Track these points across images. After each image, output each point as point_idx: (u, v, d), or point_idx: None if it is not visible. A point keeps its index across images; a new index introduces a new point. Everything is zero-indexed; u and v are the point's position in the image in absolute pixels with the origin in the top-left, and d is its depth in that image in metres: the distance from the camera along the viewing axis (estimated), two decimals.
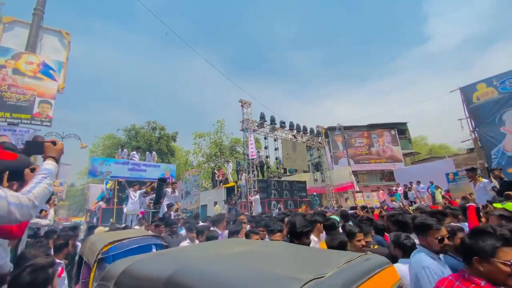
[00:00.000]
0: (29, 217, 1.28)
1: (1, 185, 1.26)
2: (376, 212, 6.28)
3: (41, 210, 5.40)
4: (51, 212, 5.26)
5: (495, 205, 3.23)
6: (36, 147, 1.66)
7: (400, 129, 26.02)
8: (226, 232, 4.45)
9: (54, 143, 1.59)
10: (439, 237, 1.94)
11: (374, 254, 0.99)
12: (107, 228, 5.77)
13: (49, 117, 7.39)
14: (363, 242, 2.76)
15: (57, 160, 1.58)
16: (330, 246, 2.52)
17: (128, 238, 2.73)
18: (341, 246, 2.46)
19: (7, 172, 1.61)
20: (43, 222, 4.85)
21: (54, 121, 7.68)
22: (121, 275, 1.03)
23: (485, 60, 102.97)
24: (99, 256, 2.43)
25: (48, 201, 5.17)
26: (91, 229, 6.06)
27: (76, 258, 3.63)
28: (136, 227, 6.97)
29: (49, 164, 1.51)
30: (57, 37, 8.24)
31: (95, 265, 2.42)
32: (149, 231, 5.20)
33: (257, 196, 11.89)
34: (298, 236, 2.49)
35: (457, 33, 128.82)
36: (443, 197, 12.51)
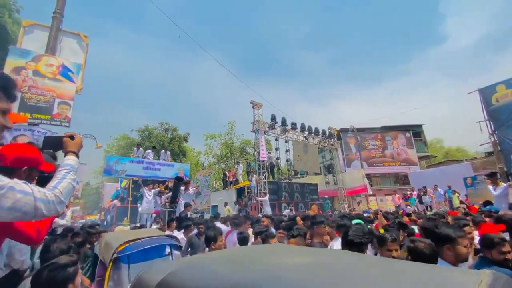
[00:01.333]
0: (55, 212, 1.28)
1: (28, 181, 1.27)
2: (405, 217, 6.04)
3: None
4: (68, 213, 5.21)
5: None
6: (55, 142, 1.64)
7: (415, 132, 25.33)
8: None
9: (72, 137, 1.58)
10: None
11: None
12: (127, 227, 5.86)
13: (68, 118, 7.63)
14: (398, 253, 2.40)
15: (77, 154, 1.57)
16: (415, 256, 1.94)
17: (143, 238, 2.70)
18: (432, 256, 1.88)
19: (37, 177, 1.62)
20: (60, 222, 4.86)
21: (72, 122, 7.93)
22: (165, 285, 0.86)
23: (504, 61, 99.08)
24: (115, 255, 2.44)
25: None
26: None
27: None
28: (152, 226, 7.06)
29: (70, 159, 1.50)
30: (76, 39, 8.52)
31: (111, 264, 2.43)
32: (166, 231, 5.29)
33: (266, 198, 11.83)
34: (355, 246, 2.09)
35: (474, 33, 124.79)
36: (461, 202, 12.07)
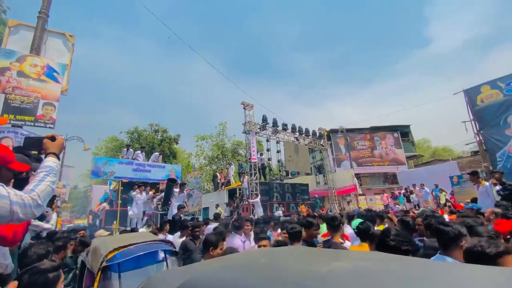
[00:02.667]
0: (32, 216, 1.24)
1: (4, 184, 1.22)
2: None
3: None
4: (54, 216, 5.02)
5: None
6: (35, 143, 1.56)
7: (403, 132, 25.86)
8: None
9: (53, 138, 1.52)
10: None
11: None
12: (107, 233, 5.66)
13: (53, 119, 7.44)
14: None
15: (58, 156, 1.51)
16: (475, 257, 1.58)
17: (135, 244, 2.51)
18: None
19: (13, 180, 1.54)
20: (45, 225, 4.69)
21: (57, 123, 7.74)
22: None
23: (488, 63, 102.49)
24: (104, 264, 2.25)
25: (50, 204, 5.10)
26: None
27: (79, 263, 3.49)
28: (142, 229, 6.88)
29: (50, 161, 1.44)
30: (61, 39, 8.33)
31: (99, 273, 2.23)
32: (159, 234, 5.08)
33: (257, 199, 11.80)
34: (393, 250, 1.75)
35: (459, 35, 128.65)
36: (447, 200, 12.39)
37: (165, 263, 2.87)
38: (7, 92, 7.02)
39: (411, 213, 6.33)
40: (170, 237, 4.96)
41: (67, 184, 20.99)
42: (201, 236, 4.34)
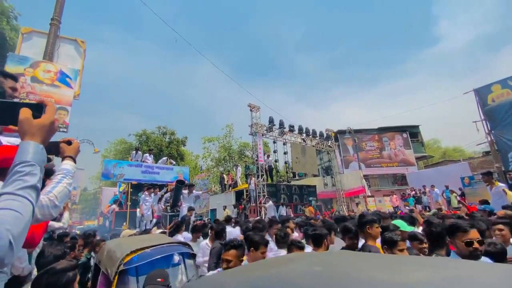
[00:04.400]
0: (50, 217, 1.26)
1: None
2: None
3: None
4: (66, 215, 5.08)
5: None
6: (52, 147, 1.56)
7: (412, 132, 25.49)
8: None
9: (69, 142, 1.54)
10: None
11: None
12: (134, 231, 5.67)
13: (66, 123, 7.63)
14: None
15: (74, 159, 1.54)
16: None
17: (152, 246, 2.40)
18: None
19: None
20: (56, 225, 4.72)
21: (69, 127, 7.93)
22: None
23: (498, 61, 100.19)
24: (121, 268, 2.16)
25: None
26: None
27: (92, 265, 3.41)
28: (156, 231, 6.90)
29: (67, 164, 1.47)
30: (73, 45, 8.55)
31: (116, 277, 2.14)
32: (178, 236, 5.00)
33: (270, 202, 11.88)
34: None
35: (467, 34, 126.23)
36: (458, 202, 12.15)
37: (183, 266, 2.78)
38: (22, 97, 7.24)
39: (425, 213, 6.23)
40: (179, 237, 4.95)
41: (78, 186, 21.40)
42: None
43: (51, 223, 4.65)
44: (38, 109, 0.99)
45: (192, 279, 2.60)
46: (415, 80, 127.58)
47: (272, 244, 3.91)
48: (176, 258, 2.79)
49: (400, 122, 36.05)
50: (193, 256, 2.82)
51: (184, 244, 2.78)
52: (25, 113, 0.96)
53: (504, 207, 3.91)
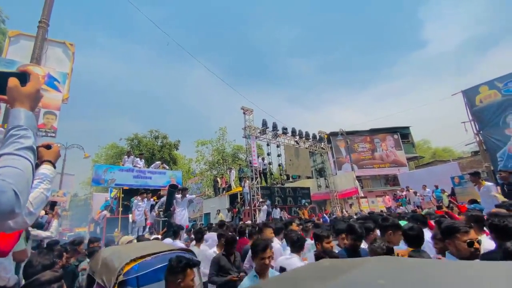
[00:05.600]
0: (24, 225, 1.14)
1: None
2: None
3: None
4: (54, 224, 4.85)
5: None
6: None
7: (403, 133, 25.91)
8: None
9: (48, 146, 1.47)
10: None
11: None
12: (132, 237, 5.49)
13: (54, 128, 7.45)
14: None
15: (53, 164, 1.46)
16: None
17: (153, 254, 2.22)
18: None
19: None
20: (43, 234, 4.50)
21: (58, 132, 7.75)
22: None
23: (485, 63, 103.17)
24: (121, 278, 1.98)
25: (51, 210, 5.03)
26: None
27: (83, 275, 3.29)
28: (156, 236, 6.73)
29: (45, 169, 1.39)
30: (62, 48, 8.38)
31: None
32: (176, 241, 4.87)
33: (266, 206, 11.86)
34: None
35: (454, 37, 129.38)
36: (449, 201, 12.36)
37: None
38: None
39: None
40: (169, 241, 4.84)
41: (68, 192, 20.90)
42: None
43: (38, 232, 4.45)
44: (23, 78, 1.03)
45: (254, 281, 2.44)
46: (404, 82, 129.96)
47: (278, 244, 3.81)
48: None
49: (391, 123, 36.62)
50: (197, 263, 2.65)
51: (188, 250, 2.63)
52: (13, 82, 1.00)
53: (497, 206, 3.96)
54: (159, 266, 2.22)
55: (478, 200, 6.32)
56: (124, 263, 2.03)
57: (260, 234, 4.16)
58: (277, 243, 3.84)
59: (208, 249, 4.40)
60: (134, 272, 2.11)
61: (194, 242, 4.93)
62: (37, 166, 1.57)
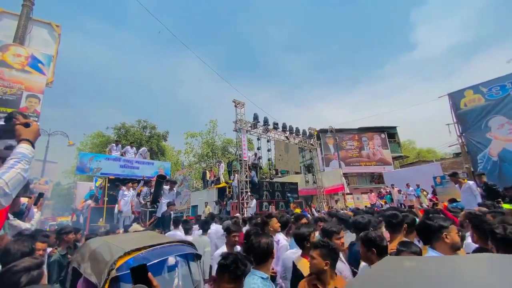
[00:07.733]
0: None
1: None
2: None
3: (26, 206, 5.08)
4: (37, 216, 4.63)
5: (504, 205, 3.29)
6: (6, 130, 1.40)
7: (390, 133, 26.49)
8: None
9: (27, 124, 1.38)
10: None
11: None
12: (142, 228, 5.31)
13: (37, 112, 7.17)
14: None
15: (32, 143, 1.37)
16: None
17: (149, 247, 1.97)
18: None
19: None
20: (23, 226, 4.19)
21: (41, 117, 7.45)
22: None
23: (471, 68, 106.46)
24: (113, 274, 1.73)
25: (36, 203, 4.81)
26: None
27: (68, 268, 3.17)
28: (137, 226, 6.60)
29: (23, 148, 1.30)
30: (47, 29, 7.99)
31: (107, 285, 1.71)
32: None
33: (254, 202, 11.89)
34: None
35: (443, 41, 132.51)
36: (430, 200, 12.80)
37: (184, 269, 2.44)
38: None
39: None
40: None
41: (50, 180, 20.23)
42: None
43: (18, 222, 4.22)
44: (26, 125, 1.42)
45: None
46: (393, 83, 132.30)
47: (282, 239, 3.63)
48: (172, 259, 2.46)
49: (378, 123, 37.35)
50: (198, 257, 2.44)
51: (188, 243, 2.40)
52: (20, 126, 1.40)
53: (479, 204, 4.13)
54: (157, 260, 1.98)
55: (458, 200, 6.60)
56: (117, 256, 1.79)
57: (265, 226, 3.93)
58: (283, 239, 3.62)
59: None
60: (129, 267, 1.96)
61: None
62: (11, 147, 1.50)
